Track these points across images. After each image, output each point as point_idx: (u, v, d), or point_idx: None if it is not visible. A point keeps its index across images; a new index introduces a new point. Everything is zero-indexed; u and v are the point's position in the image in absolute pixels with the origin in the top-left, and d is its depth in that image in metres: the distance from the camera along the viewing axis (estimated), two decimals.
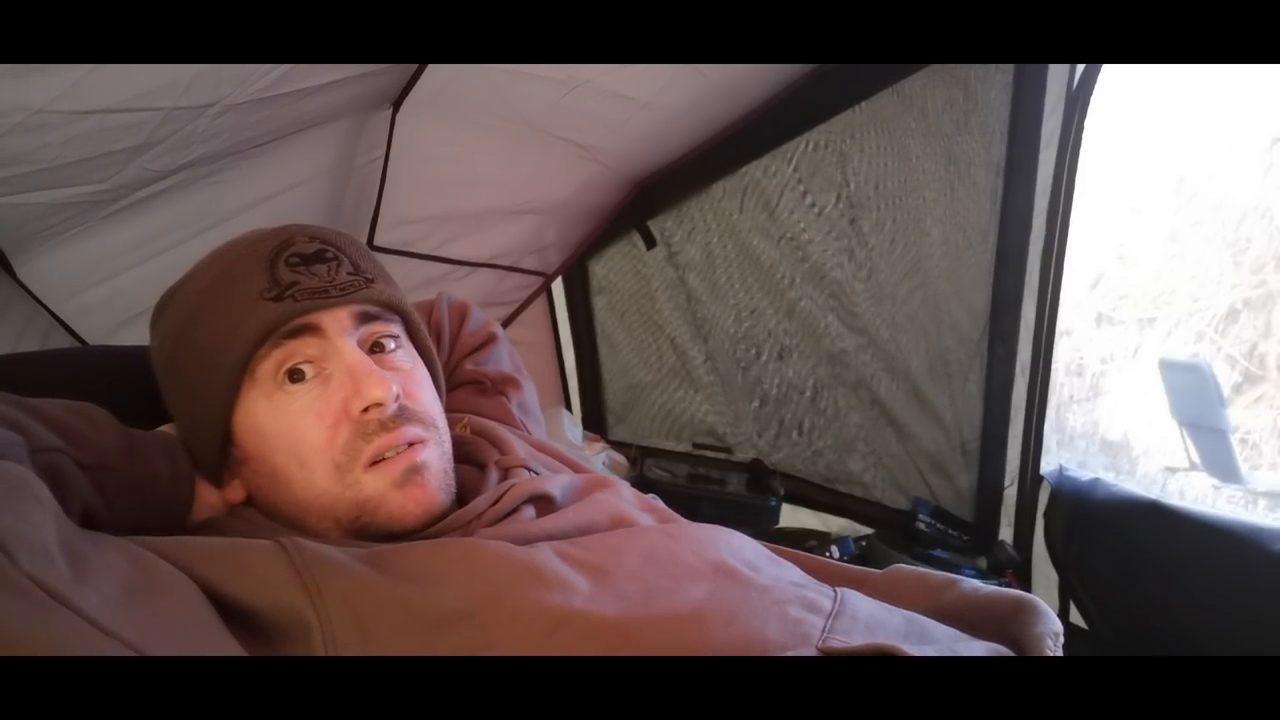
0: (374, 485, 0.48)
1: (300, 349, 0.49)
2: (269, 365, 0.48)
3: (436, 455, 0.51)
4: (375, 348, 0.53)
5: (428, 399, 0.54)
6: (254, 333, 0.48)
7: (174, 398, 0.53)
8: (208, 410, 0.50)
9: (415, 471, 0.49)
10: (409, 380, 0.53)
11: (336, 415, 0.48)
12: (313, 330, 0.49)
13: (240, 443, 0.50)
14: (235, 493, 0.52)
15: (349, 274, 0.52)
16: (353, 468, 0.48)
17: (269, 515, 0.51)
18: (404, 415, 0.50)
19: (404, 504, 0.48)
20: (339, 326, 0.50)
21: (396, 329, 0.55)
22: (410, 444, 0.50)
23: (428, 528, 0.49)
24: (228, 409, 0.49)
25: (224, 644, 0.36)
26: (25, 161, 0.71)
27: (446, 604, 0.40)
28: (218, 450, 0.51)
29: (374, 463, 0.48)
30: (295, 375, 0.49)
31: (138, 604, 0.34)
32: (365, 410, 0.48)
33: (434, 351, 0.60)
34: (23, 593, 0.30)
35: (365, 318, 0.52)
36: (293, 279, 0.49)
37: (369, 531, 0.48)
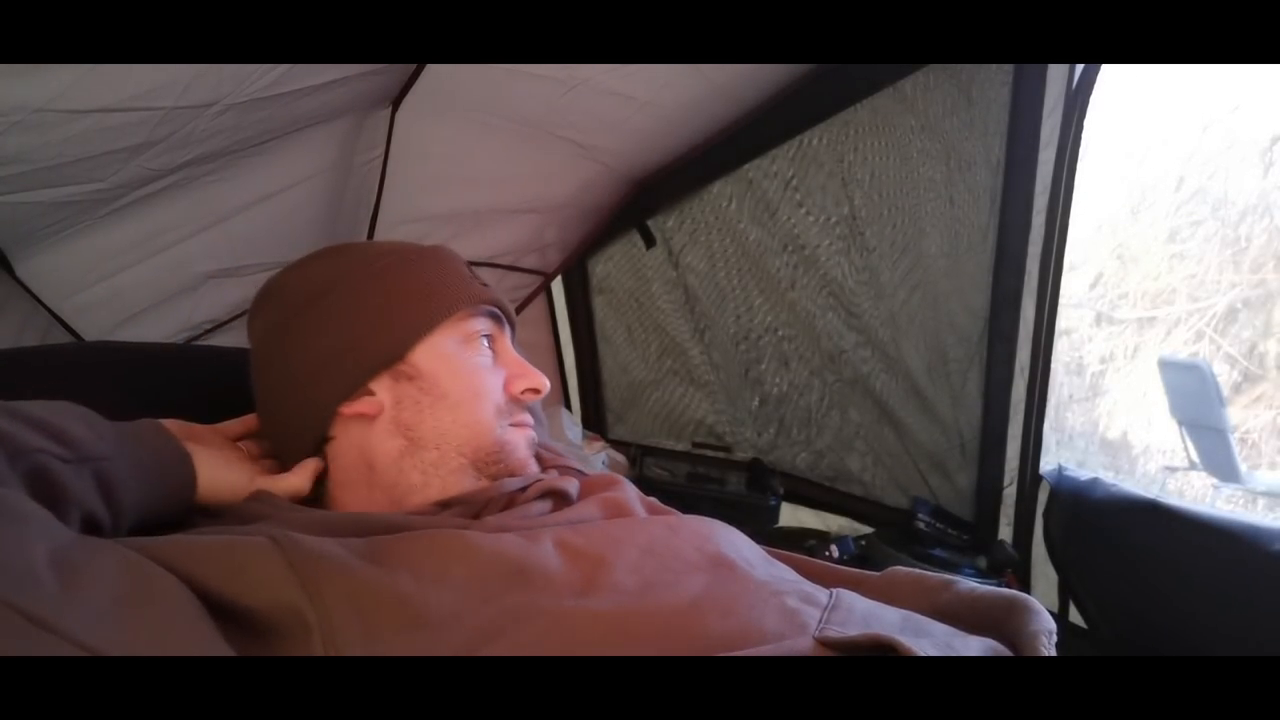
0: (514, 438, 0.60)
1: (493, 326, 0.62)
2: (470, 323, 0.60)
3: None
4: None
5: None
6: (468, 297, 0.60)
7: (344, 312, 0.58)
8: (399, 328, 0.58)
9: (531, 444, 0.62)
10: None
11: (502, 385, 0.61)
12: (498, 319, 0.63)
13: (417, 362, 0.58)
14: (370, 405, 0.57)
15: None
16: (506, 418, 0.60)
17: (405, 429, 0.57)
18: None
19: (525, 461, 0.60)
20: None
21: None
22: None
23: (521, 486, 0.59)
24: (419, 335, 0.58)
25: (214, 651, 0.35)
26: (25, 160, 0.71)
27: (444, 603, 0.40)
28: (386, 361, 0.57)
29: (515, 425, 0.61)
30: (487, 340, 0.62)
31: (127, 614, 0.34)
32: (523, 392, 0.61)
33: None
34: None
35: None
36: (483, 279, 0.64)
37: (489, 468, 0.58)
